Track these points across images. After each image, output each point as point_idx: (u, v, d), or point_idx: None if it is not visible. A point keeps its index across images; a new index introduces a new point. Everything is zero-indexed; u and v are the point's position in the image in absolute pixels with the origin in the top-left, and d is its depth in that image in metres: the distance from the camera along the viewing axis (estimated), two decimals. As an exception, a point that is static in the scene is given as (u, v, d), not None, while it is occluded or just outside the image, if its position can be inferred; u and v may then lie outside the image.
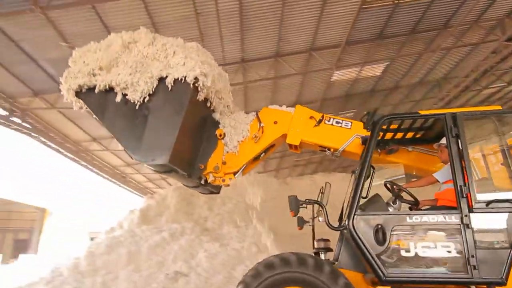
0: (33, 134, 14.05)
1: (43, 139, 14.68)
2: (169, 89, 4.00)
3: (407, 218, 3.73)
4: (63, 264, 13.41)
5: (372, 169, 4.31)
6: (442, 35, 13.70)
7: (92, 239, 20.34)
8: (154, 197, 20.48)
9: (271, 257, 3.68)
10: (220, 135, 4.67)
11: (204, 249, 13.63)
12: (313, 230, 4.40)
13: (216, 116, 4.74)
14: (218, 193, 5.36)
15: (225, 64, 13.54)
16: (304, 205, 4.17)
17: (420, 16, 12.64)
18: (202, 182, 4.59)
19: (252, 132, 4.63)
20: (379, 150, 4.46)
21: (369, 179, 4.35)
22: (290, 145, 4.69)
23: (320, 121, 4.56)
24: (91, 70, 4.17)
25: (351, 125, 4.50)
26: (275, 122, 4.70)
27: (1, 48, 10.32)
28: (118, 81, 4.04)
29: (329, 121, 4.56)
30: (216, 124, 4.75)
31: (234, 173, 4.62)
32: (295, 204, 4.04)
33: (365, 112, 4.26)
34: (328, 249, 4.30)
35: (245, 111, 17.15)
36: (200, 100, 4.25)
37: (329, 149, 4.57)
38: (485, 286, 3.40)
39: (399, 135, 4.58)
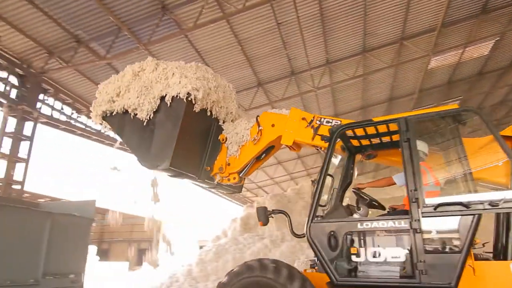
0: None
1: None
2: (169, 105, 4.56)
3: (358, 224, 3.75)
4: (178, 270, 14.81)
5: (331, 178, 4.44)
6: None
7: (201, 247, 21.98)
8: (253, 206, 21.27)
9: (239, 265, 3.93)
10: (223, 140, 5.04)
11: (305, 255, 13.59)
12: None
13: (220, 122, 5.19)
14: (239, 192, 5.70)
15: (310, 69, 13.51)
16: (271, 215, 4.38)
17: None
18: (215, 182, 5.03)
19: (252, 135, 4.87)
20: (361, 156, 4.65)
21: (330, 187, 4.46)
22: (289, 146, 4.85)
23: (311, 122, 4.62)
24: (111, 98, 4.88)
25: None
26: (273, 125, 4.86)
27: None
28: (129, 104, 4.72)
29: (320, 121, 4.62)
30: (220, 130, 5.14)
31: (238, 173, 4.92)
32: (264, 214, 4.29)
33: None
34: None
35: (334, 113, 16.75)
36: (196, 111, 4.69)
37: (320, 148, 4.63)
38: None
39: (376, 141, 4.58)
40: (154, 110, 4.61)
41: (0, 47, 9.23)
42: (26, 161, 9.87)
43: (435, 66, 14.95)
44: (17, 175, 9.69)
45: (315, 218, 3.90)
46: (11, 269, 6.26)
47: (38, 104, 10.27)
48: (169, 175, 4.86)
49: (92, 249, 19.04)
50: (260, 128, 4.81)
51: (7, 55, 9.52)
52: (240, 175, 4.92)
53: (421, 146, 3.99)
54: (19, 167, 9.76)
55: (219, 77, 5.28)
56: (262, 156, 5.06)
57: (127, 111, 4.74)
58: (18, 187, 9.67)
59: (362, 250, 3.64)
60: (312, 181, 4.19)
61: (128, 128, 4.84)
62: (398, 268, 3.51)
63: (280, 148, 5.15)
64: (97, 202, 8.49)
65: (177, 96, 4.49)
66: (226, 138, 5.01)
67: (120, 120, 4.86)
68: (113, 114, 4.85)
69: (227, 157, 4.94)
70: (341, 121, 4.51)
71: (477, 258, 3.45)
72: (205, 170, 4.95)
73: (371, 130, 4.33)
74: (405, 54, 13.56)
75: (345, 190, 4.78)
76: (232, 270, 3.94)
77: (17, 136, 9.75)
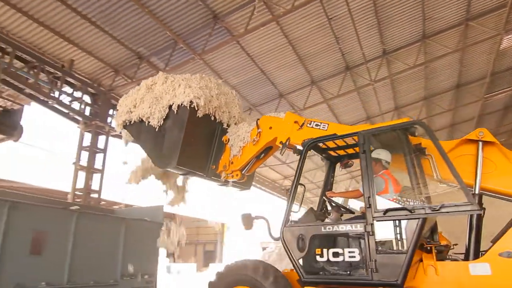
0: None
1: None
2: (175, 112, 5.17)
3: (322, 228, 4.14)
4: (244, 272, 15.15)
5: (303, 187, 4.82)
6: None
7: (264, 248, 22.19)
8: (314, 206, 21.02)
9: (225, 266, 4.60)
10: (226, 141, 5.55)
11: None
12: None
13: (224, 125, 5.71)
14: (248, 188, 6.20)
15: (366, 62, 12.99)
16: (255, 219, 4.75)
17: None
18: (222, 179, 5.54)
19: (252, 137, 5.29)
20: (339, 165, 5.17)
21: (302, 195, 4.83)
22: (288, 146, 5.15)
23: (302, 125, 4.96)
24: (129, 109, 5.59)
25: (327, 127, 4.81)
26: (270, 128, 5.25)
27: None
28: (143, 113, 5.39)
29: (310, 124, 4.94)
30: (224, 132, 5.66)
31: (240, 170, 5.39)
32: (248, 220, 4.70)
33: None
34: None
35: (395, 106, 15.89)
36: (200, 116, 5.23)
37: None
38: None
39: (351, 151, 5.04)
40: (164, 117, 5.25)
41: (74, 70, 10.23)
42: (101, 171, 10.79)
43: (508, 46, 13.48)
44: (94, 184, 10.63)
45: (288, 223, 4.35)
46: (94, 271, 6.86)
47: (109, 119, 11.17)
48: (180, 173, 5.54)
49: (162, 252, 20.15)
50: (259, 130, 5.24)
51: (80, 77, 10.52)
52: (242, 172, 5.41)
53: (384, 155, 4.38)
54: (96, 178, 10.70)
55: (222, 85, 5.86)
56: (262, 156, 5.50)
57: (142, 119, 5.42)
58: (95, 195, 10.61)
59: (325, 251, 4.01)
60: (287, 190, 4.60)
61: (143, 134, 5.51)
62: (353, 267, 3.89)
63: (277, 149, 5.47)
64: (164, 207, 9.00)
65: (181, 104, 5.09)
66: (229, 140, 5.52)
67: (137, 128, 5.56)
68: (131, 123, 5.57)
69: (230, 157, 5.43)
70: (328, 124, 4.84)
71: (446, 259, 3.87)
72: (211, 168, 5.52)
73: (341, 142, 4.75)
74: (472, 36, 12.43)
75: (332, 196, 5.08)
76: (220, 271, 4.64)
77: (93, 149, 10.68)
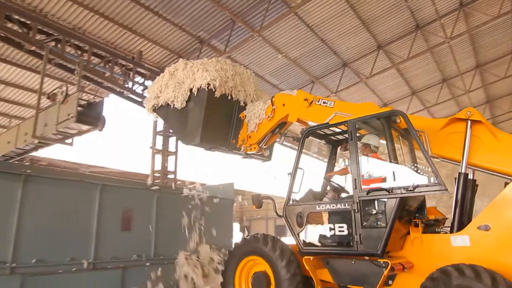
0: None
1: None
2: (195, 95, 5.64)
3: (317, 206, 4.64)
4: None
5: (302, 170, 5.06)
6: None
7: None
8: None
9: (241, 238, 5.38)
10: (244, 117, 5.99)
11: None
12: None
13: (241, 103, 6.08)
14: (269, 160, 6.61)
15: (439, 17, 11.71)
16: (263, 200, 5.34)
17: None
18: (242, 152, 6.04)
19: (267, 113, 5.66)
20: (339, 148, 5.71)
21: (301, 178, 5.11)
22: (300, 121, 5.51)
23: (311, 103, 5.27)
24: (156, 94, 6.10)
25: (333, 104, 5.12)
26: (283, 105, 5.55)
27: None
28: (168, 97, 5.90)
29: (318, 101, 5.25)
30: (242, 109, 6.05)
31: (258, 144, 5.84)
32: (258, 200, 5.27)
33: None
34: None
35: (477, 64, 14.19)
36: (217, 96, 5.63)
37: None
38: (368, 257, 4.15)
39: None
40: (186, 100, 5.74)
41: (143, 60, 10.89)
42: (175, 154, 11.54)
43: None
44: (170, 166, 11.43)
45: (289, 202, 4.89)
46: (175, 245, 7.47)
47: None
48: (204, 149, 6.11)
49: (236, 227, 21.13)
50: (273, 107, 5.60)
51: (149, 66, 11.17)
52: (259, 146, 5.89)
53: (373, 140, 4.75)
54: (170, 160, 11.49)
55: (237, 66, 6.30)
56: (276, 131, 5.88)
57: (168, 103, 5.94)
58: (171, 176, 11.42)
59: (319, 226, 4.56)
60: (288, 174, 5.00)
61: (170, 116, 6.08)
62: (343, 240, 4.33)
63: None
64: (235, 184, 9.38)
65: (200, 86, 5.57)
66: (246, 116, 5.98)
67: (165, 111, 6.11)
68: (159, 106, 6.12)
69: (248, 132, 5.90)
70: (334, 101, 5.15)
71: (436, 232, 4.28)
72: (231, 142, 6.01)
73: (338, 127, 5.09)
74: None
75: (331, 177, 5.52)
76: (237, 242, 5.35)
77: (166, 134, 11.43)
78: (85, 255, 6.04)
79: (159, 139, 11.41)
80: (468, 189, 4.16)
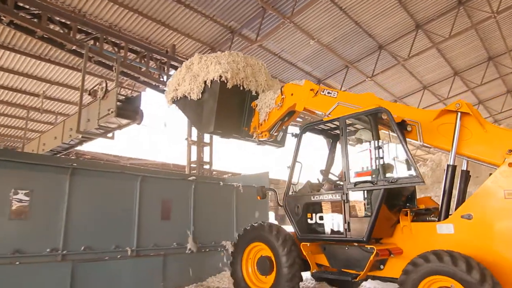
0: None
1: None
2: (209, 86, 5.98)
3: (311, 197, 5.10)
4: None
5: (300, 164, 5.45)
6: None
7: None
8: (427, 164, 19.31)
9: (249, 225, 5.77)
10: (255, 106, 6.29)
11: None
12: None
13: (253, 93, 6.38)
14: (282, 146, 6.92)
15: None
16: (267, 191, 5.82)
17: None
18: (255, 139, 6.37)
19: (277, 102, 5.94)
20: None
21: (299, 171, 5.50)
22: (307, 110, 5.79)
23: (317, 92, 5.53)
24: (174, 88, 6.51)
25: (337, 95, 5.37)
26: (292, 94, 5.81)
27: (267, 61, 12.67)
28: (185, 90, 6.29)
29: (323, 92, 5.49)
30: (253, 99, 6.36)
31: (268, 131, 6.14)
32: (262, 191, 5.72)
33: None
34: None
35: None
36: (230, 88, 5.92)
37: (322, 113, 5.48)
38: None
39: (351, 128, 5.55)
40: (201, 92, 6.10)
41: (176, 54, 11.08)
42: (210, 145, 11.73)
43: None
44: (205, 157, 11.65)
45: (288, 193, 5.39)
46: (212, 233, 7.65)
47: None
48: (219, 137, 6.61)
49: (271, 216, 21.27)
50: (283, 96, 5.87)
51: (182, 59, 11.35)
52: (270, 133, 6.17)
53: (365, 135, 5.10)
54: (206, 150, 11.70)
55: (249, 57, 6.57)
56: (286, 119, 6.17)
57: (185, 95, 6.32)
58: (207, 166, 11.64)
59: (313, 215, 5.01)
60: (288, 167, 5.47)
61: (187, 107, 6.48)
62: (334, 228, 4.75)
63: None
64: (270, 174, 9.39)
65: (213, 79, 5.90)
66: (257, 105, 6.28)
67: (182, 102, 6.49)
68: (178, 99, 6.48)
69: (260, 120, 6.19)
70: (338, 92, 5.40)
71: (427, 220, 4.50)
72: (244, 130, 6.36)
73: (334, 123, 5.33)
74: None
75: (329, 170, 5.93)
76: (246, 228, 5.73)
77: (201, 125, 11.63)
78: (129, 243, 6.33)
79: (194, 131, 11.64)
80: (461, 180, 4.37)
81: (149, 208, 6.74)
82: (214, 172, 12.56)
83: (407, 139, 4.83)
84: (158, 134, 16.80)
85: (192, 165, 11.42)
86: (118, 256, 6.15)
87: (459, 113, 4.39)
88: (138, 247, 6.43)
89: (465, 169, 4.37)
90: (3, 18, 7.83)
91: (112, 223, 6.24)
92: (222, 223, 7.96)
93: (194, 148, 11.50)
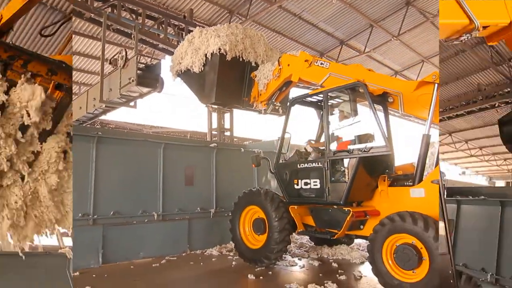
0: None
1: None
2: (210, 59, 6.30)
3: (297, 165, 5.65)
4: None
5: (289, 135, 5.96)
6: None
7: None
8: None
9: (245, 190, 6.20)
10: (254, 77, 6.60)
11: None
12: None
13: (253, 64, 6.68)
14: (282, 115, 6.96)
15: None
16: (262, 159, 6.17)
17: None
18: (256, 108, 6.69)
19: (274, 73, 6.20)
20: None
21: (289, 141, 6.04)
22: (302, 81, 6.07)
23: (311, 63, 5.77)
24: (178, 61, 6.83)
25: (329, 65, 5.65)
26: (288, 65, 6.05)
27: (287, 23, 12.22)
28: (187, 63, 6.58)
29: (316, 62, 5.74)
30: (253, 69, 6.64)
31: (267, 100, 6.47)
32: (257, 160, 6.11)
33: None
34: None
35: None
36: (229, 60, 6.24)
37: (315, 84, 5.78)
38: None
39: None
40: (203, 64, 6.40)
41: (194, 18, 10.83)
42: (231, 111, 11.71)
43: None
44: (226, 124, 11.69)
45: (279, 161, 5.89)
46: (233, 198, 7.83)
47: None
48: (221, 108, 7.40)
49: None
50: (280, 67, 6.12)
51: (201, 24, 11.09)
52: (269, 102, 6.48)
53: (346, 107, 5.32)
54: (226, 117, 11.72)
55: (248, 29, 6.88)
56: (283, 89, 6.44)
57: (188, 68, 6.61)
58: (228, 133, 11.70)
59: (299, 181, 5.52)
60: (278, 138, 5.90)
61: (191, 80, 6.80)
62: (316, 192, 5.27)
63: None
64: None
65: (213, 51, 6.20)
66: (256, 76, 6.56)
67: (186, 75, 6.79)
68: (182, 72, 6.79)
69: (259, 90, 6.51)
70: (330, 63, 5.70)
71: (403, 185, 4.85)
72: (244, 100, 6.69)
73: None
74: None
75: (319, 140, 6.16)
76: (241, 195, 6.15)
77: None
78: (155, 208, 6.60)
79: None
80: (422, 145, 4.58)
81: (173, 174, 6.94)
82: (235, 139, 12.65)
83: (390, 109, 5.33)
84: (179, 102, 16.92)
85: (213, 132, 11.52)
86: (145, 220, 6.44)
87: (436, 84, 4.54)
88: (164, 211, 6.70)
89: (426, 133, 4.54)
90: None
91: (138, 189, 6.49)
92: (243, 188, 8.12)
93: (214, 115, 11.54)
